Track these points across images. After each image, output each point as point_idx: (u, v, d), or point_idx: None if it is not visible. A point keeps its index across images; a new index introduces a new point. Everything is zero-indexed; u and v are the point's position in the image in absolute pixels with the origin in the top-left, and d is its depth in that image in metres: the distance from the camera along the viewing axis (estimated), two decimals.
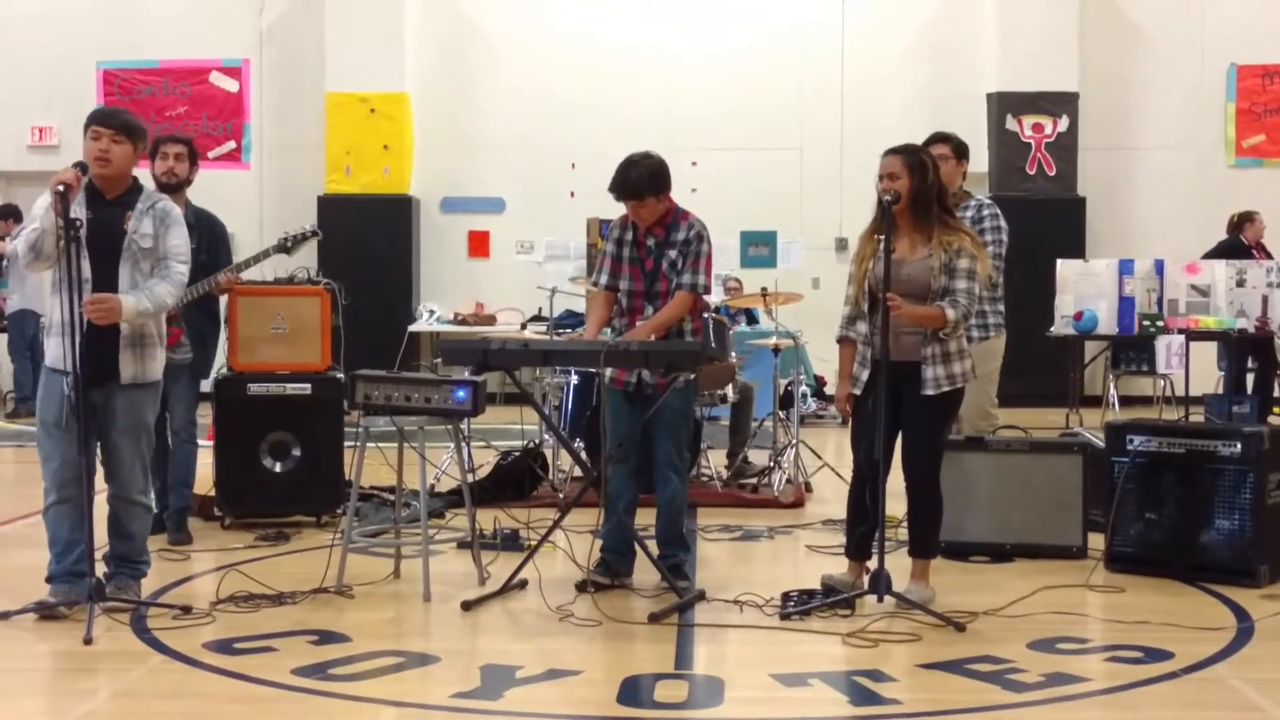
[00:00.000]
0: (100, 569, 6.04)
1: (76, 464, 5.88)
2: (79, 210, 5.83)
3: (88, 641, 5.51)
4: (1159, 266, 12.00)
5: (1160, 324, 11.81)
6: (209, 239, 7.82)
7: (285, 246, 8.08)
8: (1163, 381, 14.43)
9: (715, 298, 13.65)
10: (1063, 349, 13.62)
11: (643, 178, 6.45)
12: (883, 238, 6.02)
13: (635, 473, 6.64)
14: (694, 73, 16.40)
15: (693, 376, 6.50)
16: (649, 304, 6.57)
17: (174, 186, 7.68)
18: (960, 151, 7.72)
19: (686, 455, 6.75)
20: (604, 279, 6.69)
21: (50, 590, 6.02)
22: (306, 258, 8.71)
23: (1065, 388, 13.87)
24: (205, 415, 8.03)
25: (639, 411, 6.50)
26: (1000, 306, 7.90)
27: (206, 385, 8.14)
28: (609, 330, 6.71)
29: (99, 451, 6.14)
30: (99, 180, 6.01)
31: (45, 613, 5.91)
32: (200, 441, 8.02)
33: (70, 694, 5.10)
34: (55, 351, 5.97)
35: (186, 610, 6.02)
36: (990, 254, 7.48)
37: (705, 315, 8.89)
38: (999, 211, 7.82)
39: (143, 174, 6.51)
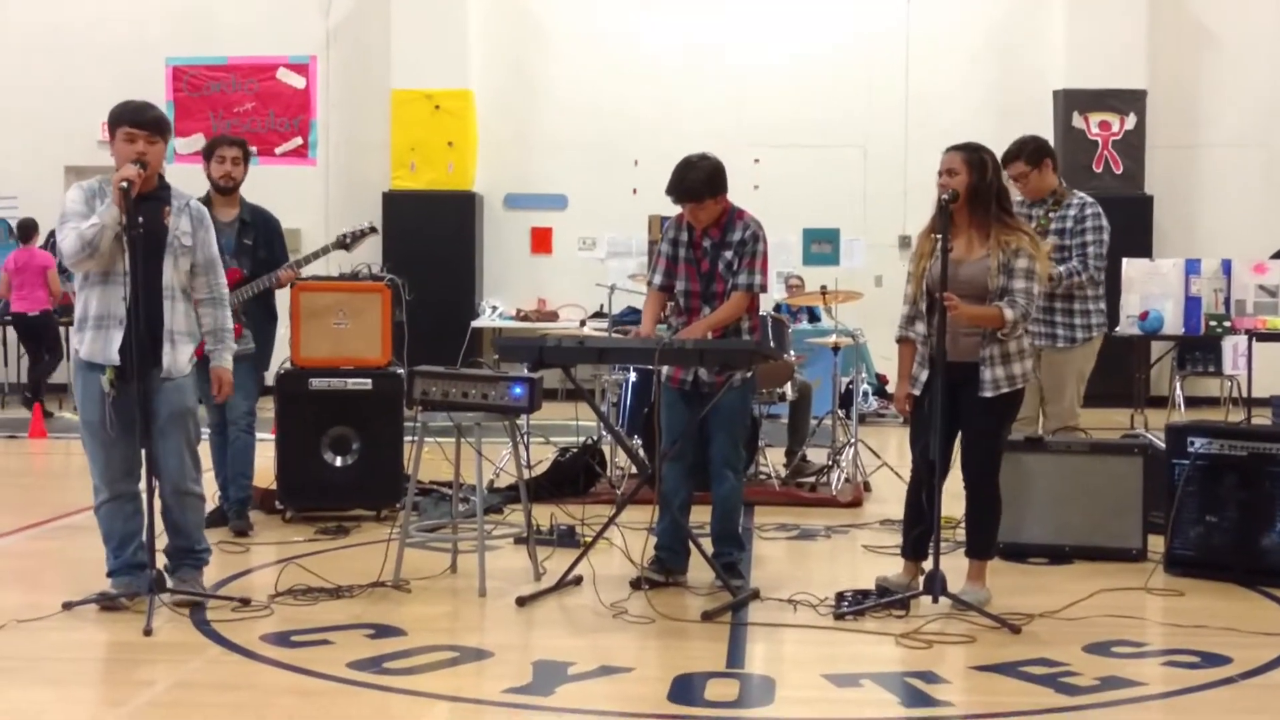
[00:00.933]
0: (161, 561, 6.11)
1: (126, 459, 5.94)
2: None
3: (147, 633, 5.59)
4: (1226, 266, 11.89)
5: (1227, 324, 11.70)
6: (265, 235, 7.93)
7: (344, 243, 8.18)
8: (1229, 383, 14.26)
9: (776, 295, 13.67)
10: (1128, 349, 13.50)
11: (700, 180, 6.45)
12: (940, 237, 6.00)
13: (691, 470, 6.64)
14: (758, 70, 16.37)
15: (749, 375, 6.49)
16: (706, 304, 6.57)
17: (230, 189, 7.77)
18: (1034, 158, 7.66)
19: (743, 453, 6.75)
20: (659, 279, 6.69)
21: (112, 583, 6.10)
22: (371, 254, 8.79)
23: (1130, 388, 13.74)
24: (267, 409, 8.11)
25: (695, 409, 6.51)
26: (1102, 305, 7.79)
27: (269, 379, 8.23)
28: (664, 327, 6.71)
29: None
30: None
31: (107, 604, 6.00)
32: (263, 435, 8.11)
33: (129, 684, 5.17)
34: (92, 345, 5.95)
35: (245, 603, 6.09)
36: (1091, 253, 7.52)
37: (762, 314, 8.90)
38: (1101, 210, 7.73)
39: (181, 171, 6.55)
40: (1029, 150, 7.66)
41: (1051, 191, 7.74)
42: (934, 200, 6.17)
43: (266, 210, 8.09)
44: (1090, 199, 7.79)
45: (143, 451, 5.90)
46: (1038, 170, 7.66)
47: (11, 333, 15.39)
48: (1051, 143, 15.83)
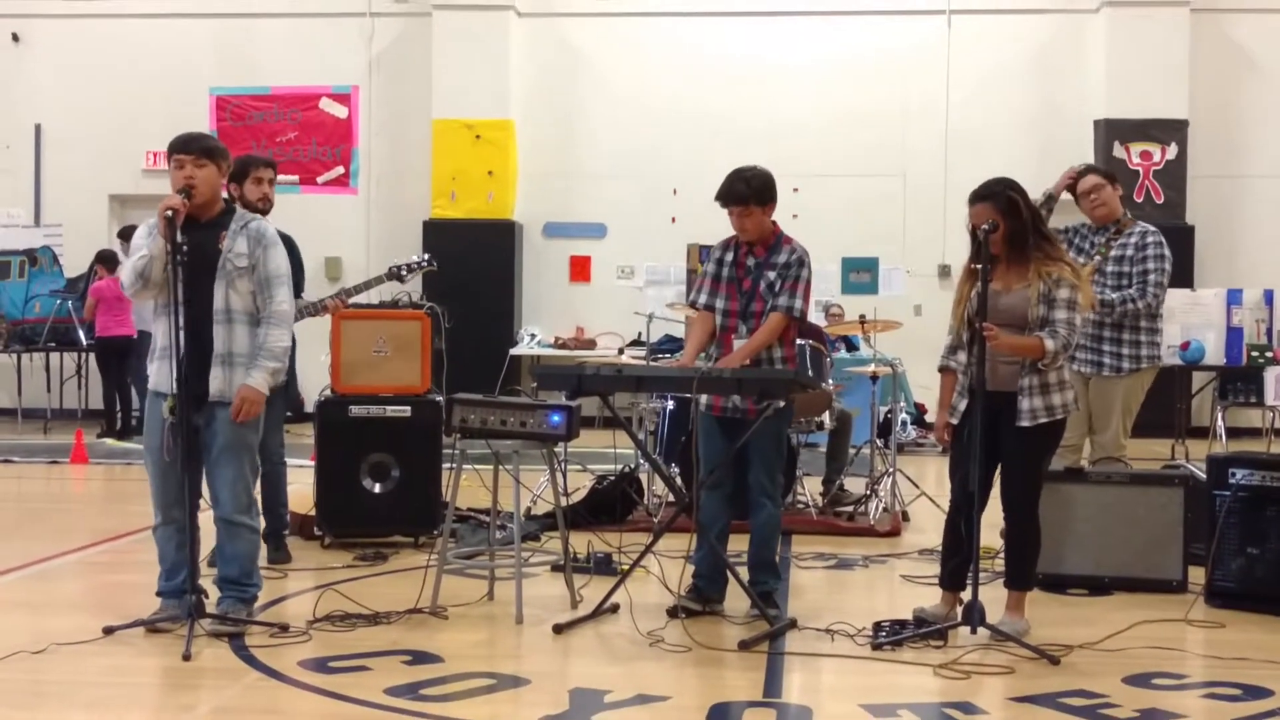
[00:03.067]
0: (211, 589, 6.17)
1: (179, 486, 6.00)
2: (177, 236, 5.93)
3: (186, 658, 5.62)
4: (1268, 297, 11.84)
5: (1269, 355, 11.64)
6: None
7: (399, 275, 8.22)
8: (1270, 413, 14.16)
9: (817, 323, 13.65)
10: (1169, 379, 13.43)
11: (748, 184, 6.50)
12: (981, 267, 5.99)
13: (729, 499, 6.65)
14: (797, 98, 16.41)
15: (784, 404, 6.49)
16: (743, 323, 6.59)
17: (268, 211, 7.77)
18: (1111, 178, 7.77)
19: (780, 480, 6.74)
20: (702, 298, 6.72)
21: (161, 604, 6.17)
22: (412, 282, 8.86)
23: (1172, 419, 13.68)
24: (305, 435, 8.14)
25: (732, 437, 6.52)
26: (1158, 339, 7.75)
27: (310, 406, 8.27)
28: (702, 357, 6.72)
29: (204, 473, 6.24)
30: (191, 206, 6.05)
31: (151, 628, 6.05)
32: (302, 461, 8.14)
33: (170, 709, 5.21)
34: (158, 375, 6.10)
35: (284, 629, 6.12)
36: (1152, 281, 7.53)
37: (801, 343, 8.91)
38: (1163, 240, 7.72)
39: None
40: (1105, 170, 7.74)
41: (1115, 220, 7.74)
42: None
43: (289, 235, 8.07)
44: (1153, 228, 7.78)
45: (188, 477, 5.96)
46: (1112, 188, 7.69)
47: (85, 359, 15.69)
48: None
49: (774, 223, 6.65)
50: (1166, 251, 7.67)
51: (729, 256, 6.68)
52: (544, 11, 16.75)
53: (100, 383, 15.05)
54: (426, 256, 8.49)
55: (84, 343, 15.53)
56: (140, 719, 5.11)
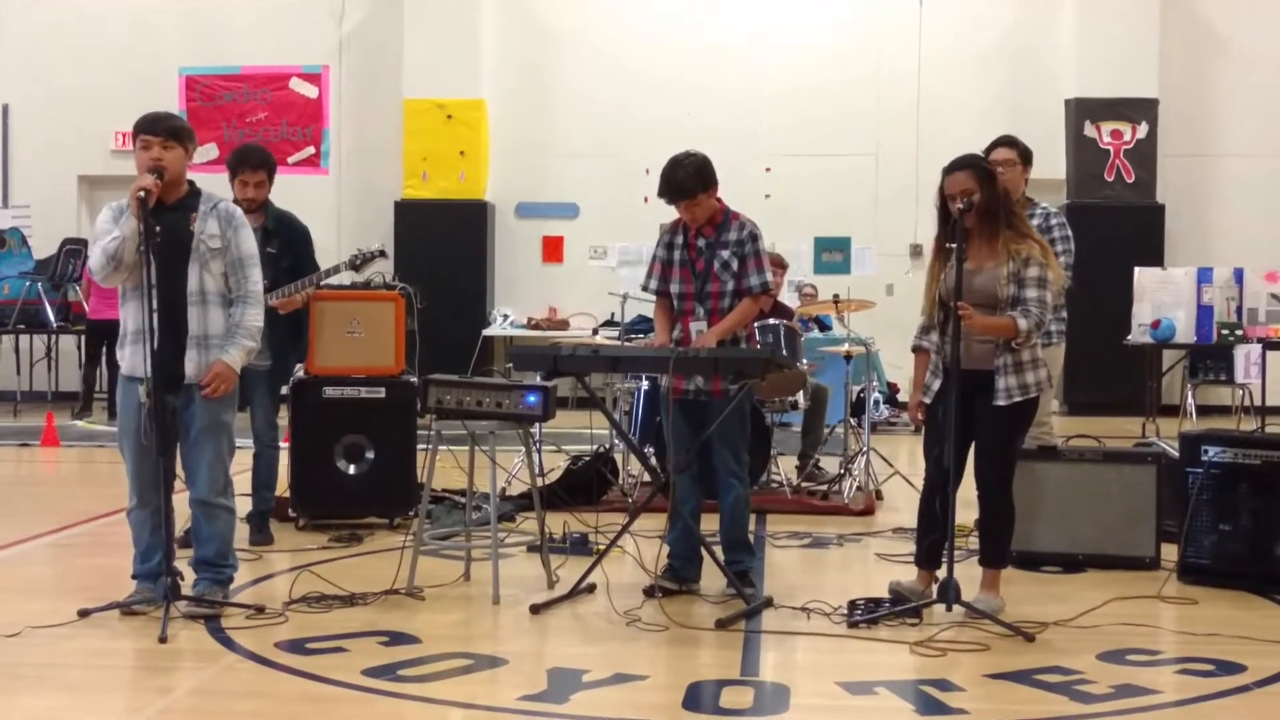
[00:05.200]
0: (186, 570, 6.15)
1: (155, 469, 5.98)
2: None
3: (163, 640, 5.60)
4: (1238, 275, 11.90)
5: (1239, 333, 11.70)
6: (289, 241, 7.85)
7: (355, 264, 8.19)
8: (1241, 391, 14.25)
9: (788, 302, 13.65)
10: (1140, 357, 13.53)
11: (690, 175, 6.48)
12: (954, 246, 6.00)
13: (697, 480, 6.66)
14: (769, 78, 16.41)
15: (749, 384, 6.48)
16: (700, 305, 6.59)
17: (253, 211, 7.65)
18: (1026, 157, 7.64)
19: (746, 459, 6.71)
20: (654, 284, 6.73)
21: (136, 586, 6.16)
22: (383, 263, 8.82)
23: (1142, 396, 13.77)
24: (280, 418, 8.12)
25: (695, 420, 6.53)
26: (1063, 314, 7.81)
27: (282, 389, 8.23)
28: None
29: (179, 455, 6.21)
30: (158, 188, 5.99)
31: (126, 611, 6.03)
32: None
33: (147, 691, 5.19)
34: (130, 360, 6.06)
35: (260, 610, 6.11)
36: (1062, 264, 7.43)
37: (775, 322, 8.92)
38: (1065, 220, 7.74)
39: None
40: (1022, 146, 7.65)
41: (1015, 199, 7.71)
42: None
43: (293, 216, 7.99)
44: (1055, 209, 7.81)
45: (162, 461, 5.93)
46: (1022, 168, 7.59)
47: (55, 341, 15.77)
48: (1063, 151, 15.94)
49: (719, 199, 6.65)
50: (1069, 232, 7.70)
51: (679, 239, 6.68)
52: None
53: (78, 364, 15.03)
54: (380, 247, 8.45)
55: (54, 324, 15.44)
56: (117, 702, 5.10)
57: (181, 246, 6.01)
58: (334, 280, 8.33)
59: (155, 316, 5.80)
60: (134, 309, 6.03)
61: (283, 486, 8.28)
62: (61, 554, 7.82)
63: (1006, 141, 7.63)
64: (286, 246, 7.81)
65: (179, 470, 6.25)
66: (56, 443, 12.56)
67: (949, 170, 6.17)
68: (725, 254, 6.55)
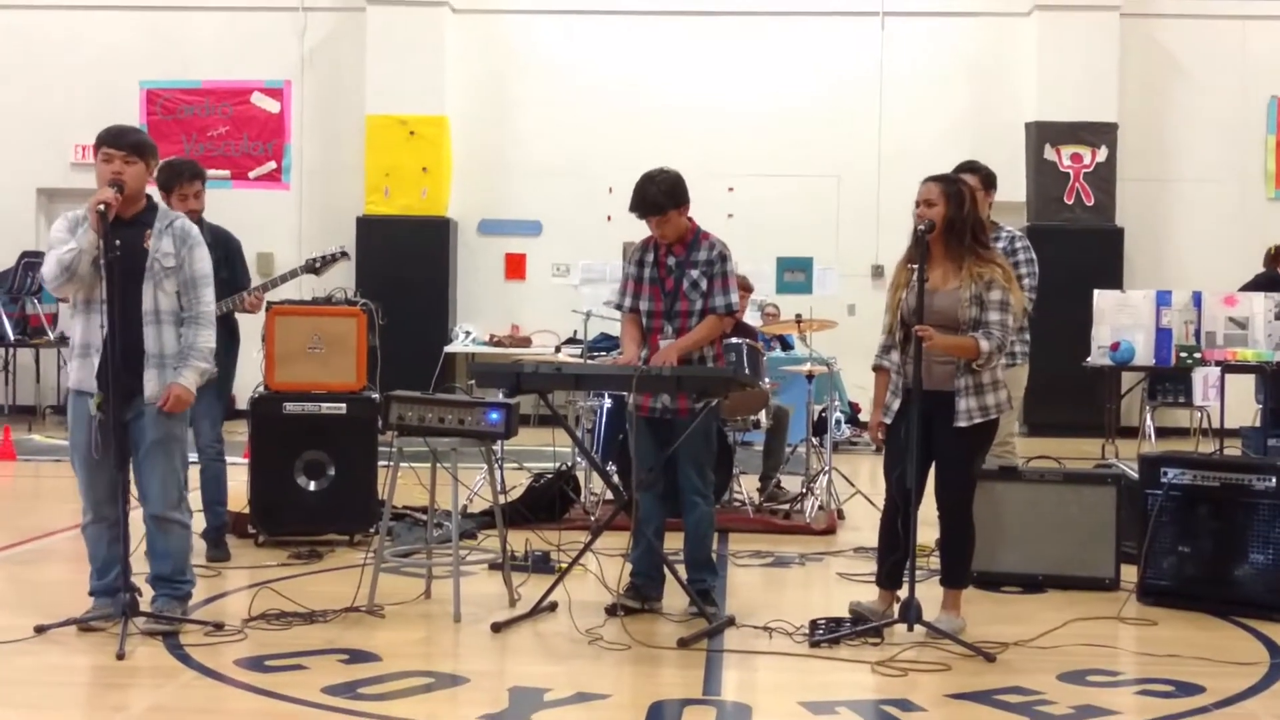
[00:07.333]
0: (144, 586, 6.10)
1: (110, 484, 5.93)
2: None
3: (120, 657, 5.56)
4: (1197, 298, 11.95)
5: (1197, 356, 11.75)
6: (225, 255, 7.80)
7: (314, 267, 8.15)
8: (1199, 414, 14.34)
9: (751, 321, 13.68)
10: (1099, 380, 13.60)
11: (662, 192, 6.49)
12: (916, 266, 6.03)
13: (662, 498, 6.66)
14: (732, 98, 16.44)
15: (713, 403, 6.49)
16: (669, 323, 6.60)
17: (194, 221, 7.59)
18: (989, 182, 7.63)
19: (711, 478, 6.72)
20: (626, 301, 6.73)
21: (93, 603, 6.10)
22: (344, 278, 8.76)
23: (1101, 418, 13.85)
24: (239, 433, 8.07)
25: (661, 438, 6.53)
26: (1027, 336, 7.85)
27: (242, 403, 8.18)
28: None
29: (132, 470, 6.15)
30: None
31: (84, 627, 5.97)
32: (236, 459, 8.06)
33: (102, 708, 5.15)
34: (79, 373, 6.00)
35: (219, 627, 6.06)
36: (1025, 286, 7.45)
37: (738, 341, 8.93)
38: (1030, 244, 7.79)
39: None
40: (985, 171, 7.66)
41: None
42: (909, 231, 6.22)
43: (227, 231, 7.96)
44: (1020, 232, 7.86)
45: (120, 477, 5.88)
46: (985, 193, 7.61)
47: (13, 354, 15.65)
48: (1023, 174, 16.04)
49: (690, 219, 6.66)
50: (1034, 255, 7.74)
51: (649, 257, 6.69)
52: (479, 8, 16.66)
53: (35, 378, 14.91)
54: (341, 248, 8.42)
55: (11, 338, 15.31)
56: (75, 718, 5.05)
57: (135, 263, 5.95)
58: (292, 294, 8.27)
59: (108, 331, 5.76)
60: (82, 323, 5.99)
61: (241, 502, 8.22)
62: (16, 569, 7.72)
63: (969, 168, 7.64)
64: (224, 259, 7.76)
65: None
66: (13, 456, 12.43)
67: (924, 180, 6.21)
68: (695, 273, 6.56)
